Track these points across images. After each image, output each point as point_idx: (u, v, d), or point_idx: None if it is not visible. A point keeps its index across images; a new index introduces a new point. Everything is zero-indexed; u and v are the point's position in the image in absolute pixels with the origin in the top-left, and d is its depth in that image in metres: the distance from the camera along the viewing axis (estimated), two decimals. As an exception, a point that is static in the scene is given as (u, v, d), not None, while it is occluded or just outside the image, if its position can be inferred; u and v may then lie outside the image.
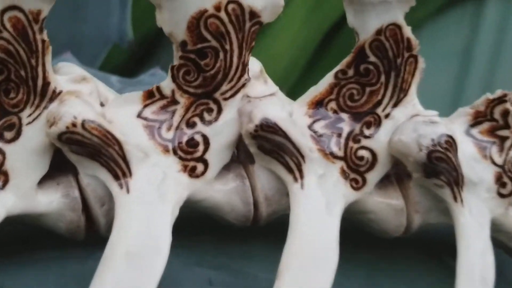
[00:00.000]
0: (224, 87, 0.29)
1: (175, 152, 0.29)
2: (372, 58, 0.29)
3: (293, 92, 0.61)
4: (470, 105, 0.31)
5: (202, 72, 0.28)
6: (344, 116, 0.30)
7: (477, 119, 0.31)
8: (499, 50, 0.66)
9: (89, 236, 0.29)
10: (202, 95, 0.29)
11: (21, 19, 0.27)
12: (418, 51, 0.29)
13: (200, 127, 0.29)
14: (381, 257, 0.32)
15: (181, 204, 0.29)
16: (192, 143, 0.29)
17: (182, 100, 0.29)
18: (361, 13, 0.28)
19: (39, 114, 0.28)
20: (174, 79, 0.29)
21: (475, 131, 0.31)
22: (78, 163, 0.28)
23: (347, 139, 0.30)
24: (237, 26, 0.28)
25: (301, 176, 0.29)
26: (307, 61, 0.61)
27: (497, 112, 0.30)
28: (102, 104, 0.29)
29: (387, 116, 0.30)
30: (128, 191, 0.28)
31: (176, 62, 0.28)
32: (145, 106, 0.29)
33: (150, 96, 0.29)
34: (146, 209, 0.28)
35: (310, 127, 0.30)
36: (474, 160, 0.30)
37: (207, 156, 0.29)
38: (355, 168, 0.30)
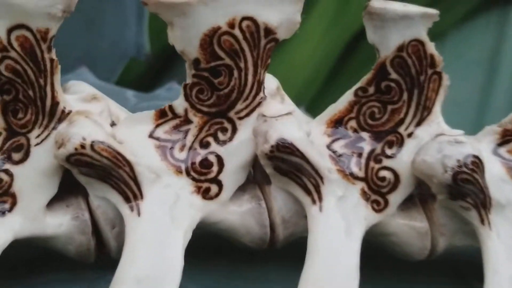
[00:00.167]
0: (239, 106, 0.28)
1: (188, 173, 0.28)
2: (394, 75, 0.28)
3: (314, 104, 0.60)
4: (497, 123, 0.30)
5: (216, 90, 0.27)
6: (365, 135, 0.29)
7: (505, 138, 0.29)
8: (526, 58, 0.65)
9: (100, 258, 0.28)
10: (216, 114, 0.28)
11: (28, 38, 0.26)
12: (442, 67, 0.28)
13: (214, 147, 0.28)
14: (404, 281, 0.31)
15: (194, 227, 0.28)
16: (205, 163, 0.28)
17: (196, 119, 0.28)
18: (382, 29, 0.27)
19: (48, 135, 0.27)
20: (187, 97, 0.28)
21: (503, 151, 0.29)
22: (88, 185, 0.27)
23: (368, 159, 0.29)
24: (251, 43, 0.27)
25: (320, 198, 0.28)
26: (328, 72, 0.60)
27: (526, 130, 0.29)
28: (113, 123, 0.28)
29: (410, 135, 0.29)
30: (139, 213, 0.27)
31: (189, 80, 0.27)
32: (157, 125, 0.28)
33: (162, 116, 0.28)
34: (158, 233, 0.27)
35: (329, 146, 0.29)
36: (502, 181, 0.29)
37: (222, 177, 0.28)
38: (376, 189, 0.29)
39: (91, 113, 0.27)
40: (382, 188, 0.29)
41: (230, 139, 0.28)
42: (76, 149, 0.26)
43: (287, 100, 0.29)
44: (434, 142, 0.28)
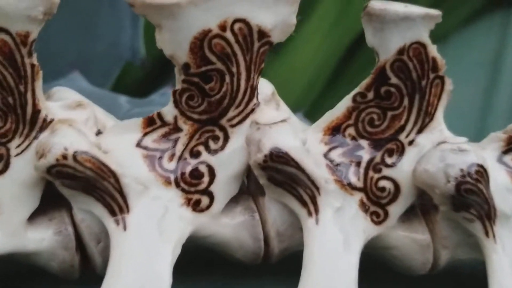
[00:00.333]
0: (231, 113, 0.26)
1: (177, 184, 0.26)
2: (394, 80, 0.26)
3: (315, 107, 0.59)
4: (502, 130, 0.28)
5: (207, 96, 0.26)
6: (364, 143, 0.27)
7: (510, 145, 0.28)
8: (529, 61, 0.64)
9: (84, 274, 0.27)
10: (207, 121, 0.26)
11: (7, 42, 0.24)
12: (445, 71, 0.26)
13: (205, 156, 0.26)
14: (405, 296, 0.30)
15: (184, 241, 0.26)
16: (196, 174, 0.26)
17: (186, 127, 0.26)
18: (381, 31, 0.26)
19: (29, 145, 0.26)
20: (176, 104, 0.26)
21: (508, 158, 0.28)
22: (71, 198, 0.26)
23: (366, 168, 0.27)
24: (244, 47, 0.25)
25: (316, 210, 0.27)
26: (329, 75, 0.59)
27: (533, 138, 0.28)
28: (100, 132, 0.27)
29: (411, 143, 0.27)
30: (125, 228, 0.26)
31: (178, 86, 0.26)
32: (145, 134, 0.26)
33: (150, 123, 0.26)
34: (145, 248, 0.25)
35: (325, 155, 0.27)
36: (508, 191, 0.28)
37: (213, 188, 0.27)
38: (375, 200, 0.27)
39: (75, 121, 0.26)
40: (381, 199, 0.27)
41: (222, 148, 0.27)
42: (57, 160, 0.25)
43: (283, 106, 0.28)
44: (436, 150, 0.27)
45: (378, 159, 0.27)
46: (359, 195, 0.27)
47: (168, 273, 0.25)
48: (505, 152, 0.28)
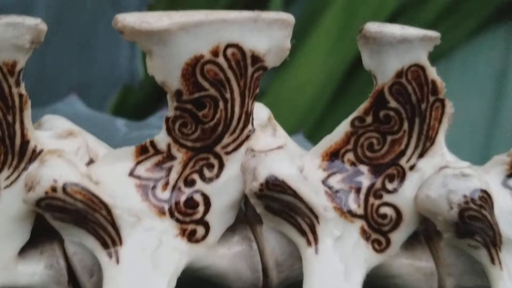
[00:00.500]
0: (226, 140, 0.25)
1: (171, 215, 0.26)
2: (393, 104, 0.26)
3: (317, 125, 0.58)
4: (506, 153, 0.27)
5: (201, 123, 0.25)
6: (363, 168, 0.26)
7: (515, 168, 0.27)
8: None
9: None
10: (201, 149, 0.26)
11: (-7, 71, 0.24)
12: (445, 94, 0.26)
13: (199, 185, 0.26)
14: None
15: (179, 273, 0.25)
16: (191, 203, 0.26)
17: (179, 155, 0.26)
18: (378, 54, 0.25)
19: (18, 176, 0.25)
20: (169, 132, 0.25)
21: (513, 182, 0.27)
22: (62, 230, 0.25)
23: (367, 194, 0.26)
24: (237, 72, 0.25)
25: (315, 239, 0.26)
26: (331, 94, 0.58)
27: (538, 160, 0.27)
28: (92, 161, 0.26)
29: (412, 168, 0.26)
30: (118, 261, 0.25)
31: (171, 113, 0.25)
32: (138, 163, 0.26)
33: (143, 152, 0.26)
34: (139, 282, 0.25)
35: (324, 182, 0.26)
36: (513, 215, 0.27)
37: (208, 218, 0.26)
38: (377, 228, 0.26)
39: (65, 151, 0.25)
40: (383, 226, 0.26)
41: (217, 176, 0.26)
42: (46, 192, 0.24)
43: (279, 131, 0.27)
44: (438, 176, 0.26)
45: (378, 185, 0.26)
46: (359, 223, 0.26)
47: (162, 308, 0.24)
48: (510, 175, 0.27)
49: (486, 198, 0.26)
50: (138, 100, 0.55)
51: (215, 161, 0.26)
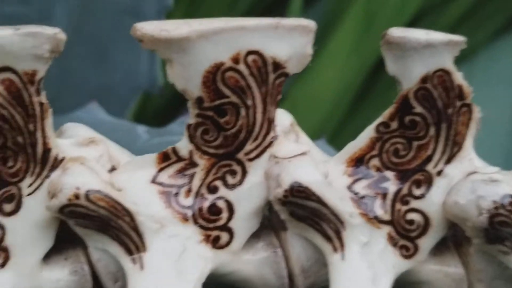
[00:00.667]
0: (248, 147, 0.25)
1: (195, 221, 0.25)
2: (419, 109, 0.25)
3: (338, 131, 0.57)
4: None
5: (222, 130, 0.25)
6: (389, 174, 0.26)
7: (547, 172, 0.26)
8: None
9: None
10: (223, 156, 0.25)
11: (14, 81, 0.24)
12: (472, 99, 0.25)
13: (222, 191, 0.25)
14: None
15: (204, 279, 0.25)
16: (214, 210, 0.25)
17: (202, 162, 0.25)
18: (403, 59, 0.24)
19: (41, 184, 0.25)
20: (191, 139, 0.25)
21: (545, 186, 0.26)
22: (86, 237, 0.25)
23: (393, 200, 0.26)
24: (259, 79, 0.24)
25: (342, 245, 0.25)
26: (352, 98, 0.57)
27: None
28: (113, 168, 0.26)
29: (439, 173, 0.26)
30: (142, 267, 0.25)
31: (192, 120, 0.25)
32: (160, 169, 0.26)
33: (165, 159, 0.26)
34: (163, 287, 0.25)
35: (349, 188, 0.26)
36: (545, 221, 0.26)
37: (232, 224, 0.26)
38: (404, 234, 0.26)
39: (87, 159, 0.25)
40: (410, 232, 0.26)
41: (240, 182, 0.26)
42: (69, 199, 0.24)
43: (302, 137, 0.26)
44: (467, 182, 0.25)
45: (405, 190, 0.26)
46: (386, 229, 0.26)
47: (185, 316, 0.24)
48: (542, 179, 0.26)
49: (515, 205, 0.25)
50: (159, 107, 0.55)
51: (238, 168, 0.25)
